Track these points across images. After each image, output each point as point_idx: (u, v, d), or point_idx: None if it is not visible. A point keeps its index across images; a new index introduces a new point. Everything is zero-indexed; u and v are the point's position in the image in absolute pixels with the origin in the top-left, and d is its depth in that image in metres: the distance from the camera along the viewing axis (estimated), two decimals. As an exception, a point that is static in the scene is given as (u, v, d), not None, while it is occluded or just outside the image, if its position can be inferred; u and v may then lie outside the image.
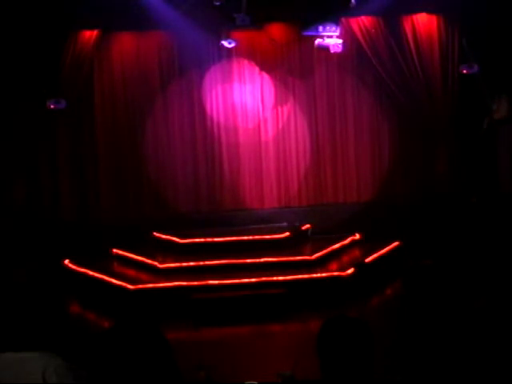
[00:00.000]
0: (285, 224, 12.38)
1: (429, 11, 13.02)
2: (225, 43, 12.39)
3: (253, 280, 10.11)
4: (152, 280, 10.51)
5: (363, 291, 10.19)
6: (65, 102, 12.40)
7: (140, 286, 10.23)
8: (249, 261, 10.72)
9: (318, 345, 2.67)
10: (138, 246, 11.80)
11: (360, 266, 10.67)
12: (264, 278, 10.14)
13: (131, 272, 11.15)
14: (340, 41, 11.89)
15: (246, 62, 13.34)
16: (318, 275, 10.28)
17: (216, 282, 10.11)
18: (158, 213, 12.93)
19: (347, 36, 12.67)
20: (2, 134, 12.39)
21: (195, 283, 10.14)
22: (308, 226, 12.52)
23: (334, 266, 10.92)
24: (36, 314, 3.39)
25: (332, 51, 11.99)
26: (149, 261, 11.13)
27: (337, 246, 11.58)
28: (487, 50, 12.26)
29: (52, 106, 12.33)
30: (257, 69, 13.35)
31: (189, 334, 9.25)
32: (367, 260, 11.11)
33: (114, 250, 11.99)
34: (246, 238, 11.53)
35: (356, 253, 11.84)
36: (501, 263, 9.90)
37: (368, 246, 11.87)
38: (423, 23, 13.09)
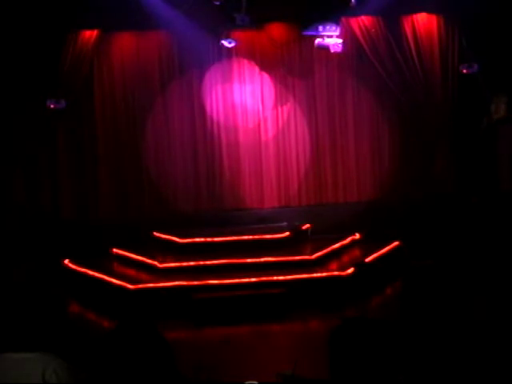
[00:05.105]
0: (285, 224, 12.38)
1: (429, 11, 13.01)
2: (225, 43, 12.38)
3: (253, 280, 10.11)
4: (152, 280, 10.51)
5: (363, 291, 10.18)
6: (65, 102, 12.41)
7: (140, 286, 10.23)
8: (249, 261, 10.72)
9: (331, 344, 2.65)
10: (137, 245, 11.80)
11: (360, 265, 10.67)
12: (264, 278, 10.14)
13: (131, 272, 11.16)
14: (340, 41, 11.88)
15: (245, 61, 13.34)
16: (318, 275, 10.28)
17: (216, 281, 10.11)
18: (158, 212, 12.93)
19: (347, 36, 12.66)
20: (1, 134, 12.39)
21: (195, 283, 10.14)
22: (308, 225, 12.51)
23: (334, 265, 10.92)
24: (36, 314, 3.39)
25: (332, 51, 11.98)
26: (149, 261, 11.13)
27: (337, 245, 11.57)
28: (487, 50, 12.26)
29: (52, 106, 12.34)
30: (257, 69, 13.35)
31: (189, 333, 9.25)
32: (367, 260, 11.11)
33: (114, 250, 12.00)
34: (246, 237, 11.52)
35: (356, 253, 11.84)
36: (501, 263, 9.90)
37: (368, 245, 11.86)
38: (423, 23, 13.09)
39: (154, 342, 2.63)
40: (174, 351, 2.69)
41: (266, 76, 13.34)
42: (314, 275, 10.27)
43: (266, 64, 13.31)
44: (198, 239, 11.55)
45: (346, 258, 11.42)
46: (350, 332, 2.65)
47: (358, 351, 2.59)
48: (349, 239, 12.03)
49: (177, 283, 10.14)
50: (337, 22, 11.83)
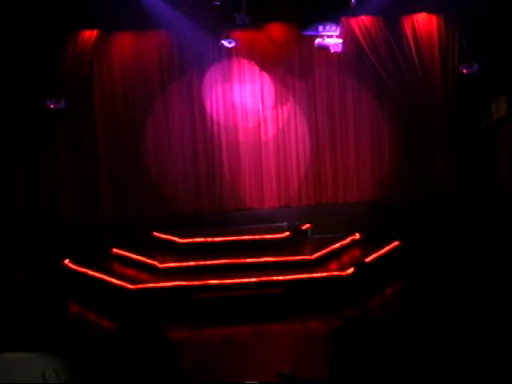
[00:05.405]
0: (285, 224, 12.38)
1: (429, 11, 13.01)
2: (225, 43, 12.38)
3: (253, 280, 10.11)
4: (152, 280, 10.51)
5: (363, 291, 10.18)
6: (65, 101, 12.41)
7: (140, 286, 10.23)
8: (249, 261, 10.72)
9: (332, 344, 2.64)
10: (137, 245, 11.80)
11: (360, 265, 10.67)
12: (264, 278, 10.14)
13: (131, 272, 11.16)
14: (340, 41, 11.88)
15: (245, 61, 13.34)
16: (318, 275, 10.28)
17: (216, 281, 10.11)
18: (158, 212, 12.93)
19: (347, 36, 12.66)
20: (1, 134, 12.39)
21: (195, 283, 10.14)
22: (308, 225, 12.52)
23: (334, 265, 10.92)
24: (36, 314, 3.39)
25: (332, 51, 11.98)
26: (149, 261, 11.13)
27: (337, 245, 11.57)
28: (487, 50, 12.26)
29: (52, 106, 12.34)
30: (257, 69, 13.35)
31: (189, 333, 9.25)
32: (367, 260, 11.11)
33: (114, 250, 12.00)
34: (246, 237, 11.52)
35: (356, 252, 11.84)
36: (501, 262, 9.90)
37: (368, 245, 11.86)
38: (423, 23, 13.09)
39: (158, 342, 2.62)
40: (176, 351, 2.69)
41: (266, 76, 13.34)
42: (314, 275, 10.27)
43: (266, 64, 13.31)
44: (198, 239, 11.55)
45: (346, 258, 11.42)
46: (351, 332, 2.64)
47: (358, 351, 2.58)
48: (349, 239, 12.03)
49: (177, 283, 10.14)
50: (337, 22, 11.84)
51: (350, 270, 10.36)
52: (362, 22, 12.90)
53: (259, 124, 13.38)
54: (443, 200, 12.52)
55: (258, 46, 13.33)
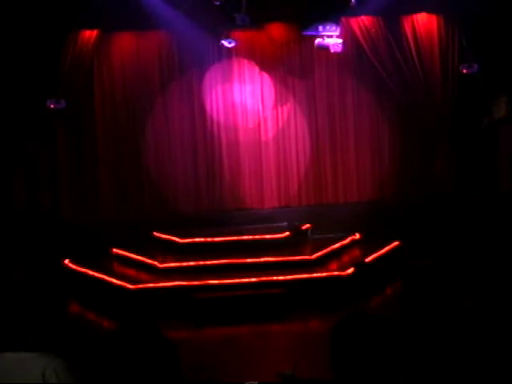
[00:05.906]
0: (285, 224, 12.38)
1: (429, 11, 13.02)
2: (225, 43, 12.39)
3: (253, 280, 10.11)
4: (152, 280, 10.51)
5: (363, 291, 10.18)
6: (65, 101, 12.41)
7: (140, 286, 10.23)
8: (249, 261, 10.72)
9: (333, 341, 2.63)
10: (137, 245, 11.80)
11: (360, 265, 10.67)
12: (264, 278, 10.14)
13: (131, 272, 11.16)
14: (340, 41, 11.88)
15: (245, 61, 13.34)
16: (318, 275, 10.28)
17: (216, 281, 10.11)
18: (158, 212, 12.94)
19: (347, 36, 12.67)
20: (1, 134, 12.40)
21: (195, 283, 10.14)
22: (308, 225, 12.52)
23: (334, 265, 10.92)
24: (36, 314, 3.39)
25: (332, 51, 11.98)
26: (149, 261, 11.13)
27: (337, 245, 11.57)
28: (487, 50, 12.27)
29: (52, 106, 12.35)
30: (257, 69, 13.35)
31: (189, 333, 9.25)
32: (367, 260, 11.11)
33: (114, 250, 12.00)
34: (246, 237, 11.53)
35: (356, 253, 11.84)
36: (501, 262, 9.90)
37: (368, 245, 11.86)
38: (423, 23, 13.09)
39: (158, 343, 2.62)
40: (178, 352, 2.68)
41: (266, 76, 13.34)
42: (314, 275, 10.26)
43: (266, 64, 13.31)
44: (198, 239, 11.55)
45: (346, 258, 11.42)
46: (351, 328, 2.64)
47: (359, 350, 2.58)
48: (349, 239, 12.03)
49: (177, 283, 10.14)
50: (337, 22, 11.84)
51: (350, 270, 10.36)
52: (362, 22, 12.91)
53: (259, 124, 13.39)
54: (443, 200, 12.52)
55: (258, 46, 13.34)
